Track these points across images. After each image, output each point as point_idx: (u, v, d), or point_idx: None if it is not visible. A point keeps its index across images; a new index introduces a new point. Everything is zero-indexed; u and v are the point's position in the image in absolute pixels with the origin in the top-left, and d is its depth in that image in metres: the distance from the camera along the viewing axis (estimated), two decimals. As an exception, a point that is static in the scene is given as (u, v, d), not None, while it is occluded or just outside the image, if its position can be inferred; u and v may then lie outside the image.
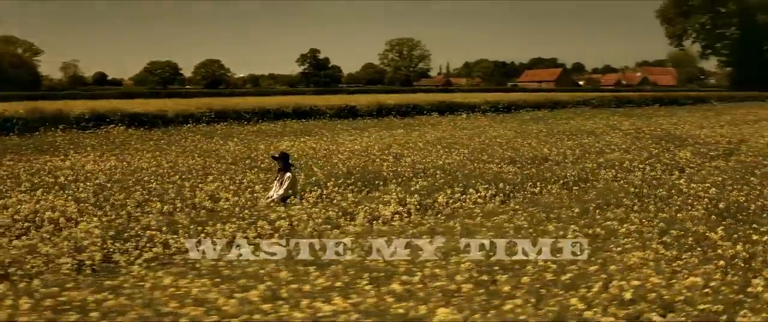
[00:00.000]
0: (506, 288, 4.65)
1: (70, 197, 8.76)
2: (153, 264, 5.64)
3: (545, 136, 17.90)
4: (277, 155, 9.26)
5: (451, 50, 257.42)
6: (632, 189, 9.01)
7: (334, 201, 9.07)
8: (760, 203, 7.92)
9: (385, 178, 10.88)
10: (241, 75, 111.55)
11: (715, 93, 48.30)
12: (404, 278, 4.86)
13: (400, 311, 4.19)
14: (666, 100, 39.69)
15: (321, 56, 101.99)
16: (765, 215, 7.49)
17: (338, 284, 4.67)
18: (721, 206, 7.84)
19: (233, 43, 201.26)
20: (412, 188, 9.34)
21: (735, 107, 36.12)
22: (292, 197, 8.57)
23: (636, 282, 4.63)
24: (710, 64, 74.27)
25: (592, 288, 4.49)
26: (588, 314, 4.04)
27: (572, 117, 25.91)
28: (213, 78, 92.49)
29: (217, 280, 4.76)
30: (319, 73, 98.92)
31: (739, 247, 5.46)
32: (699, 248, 5.95)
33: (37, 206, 8.18)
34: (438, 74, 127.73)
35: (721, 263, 5.14)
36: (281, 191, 8.72)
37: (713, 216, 7.29)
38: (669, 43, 66.90)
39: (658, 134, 18.53)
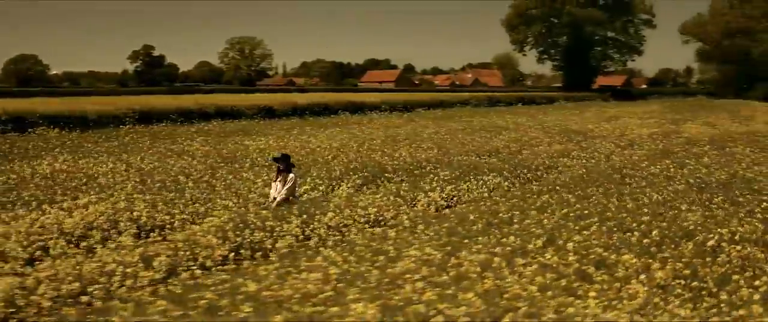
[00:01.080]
0: (645, 241, 6.30)
1: (125, 199, 8.73)
2: (338, 247, 6.36)
3: (472, 132, 20.05)
4: (278, 157, 9.33)
5: (285, 50, 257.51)
6: (624, 171, 11.23)
7: (376, 191, 10.11)
8: (714, 178, 10.52)
9: (391, 171, 12.03)
10: (56, 72, 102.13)
11: (562, 93, 55.46)
12: (565, 236, 6.31)
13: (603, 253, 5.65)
14: (526, 100, 45.02)
15: (155, 53, 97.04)
16: (721, 186, 10.03)
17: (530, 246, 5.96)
18: (690, 181, 10.29)
19: (47, 38, 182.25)
20: (444, 179, 10.64)
21: (586, 105, 42.25)
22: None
23: (731, 229, 6.56)
24: (527, 67, 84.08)
25: (712, 234, 6.32)
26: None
27: (472, 115, 28.76)
28: (26, 76, 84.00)
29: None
30: (153, 71, 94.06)
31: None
32: (720, 209, 8.09)
33: (112, 207, 8.10)
34: (275, 74, 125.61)
35: (759, 215, 7.26)
36: (284, 192, 8.86)
37: (694, 188, 9.62)
38: (513, 49, 74.69)
39: (560, 129, 21.68)
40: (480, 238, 6.36)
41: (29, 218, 7.28)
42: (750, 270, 5.44)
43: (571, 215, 7.39)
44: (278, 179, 8.99)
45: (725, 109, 39.46)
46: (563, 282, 4.93)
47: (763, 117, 30.41)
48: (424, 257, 5.54)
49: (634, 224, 6.97)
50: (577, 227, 6.73)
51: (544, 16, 67.10)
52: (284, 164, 9.02)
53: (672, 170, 11.44)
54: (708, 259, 5.65)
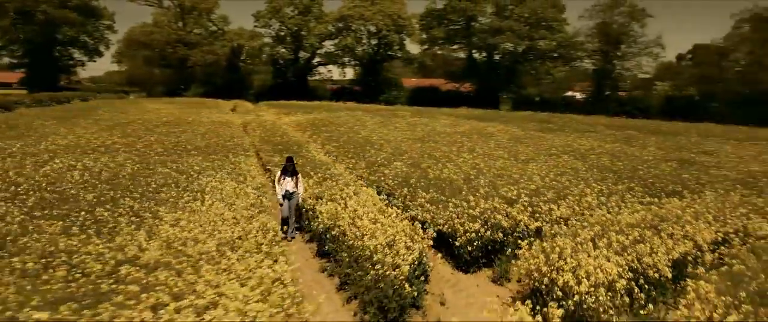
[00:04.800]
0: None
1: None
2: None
3: (175, 127, 25.28)
4: (288, 161, 10.74)
5: None
6: (381, 141, 21.65)
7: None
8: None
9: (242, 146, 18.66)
10: None
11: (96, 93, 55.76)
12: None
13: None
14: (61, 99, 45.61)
15: None
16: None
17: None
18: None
19: None
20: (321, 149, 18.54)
21: (133, 101, 46.64)
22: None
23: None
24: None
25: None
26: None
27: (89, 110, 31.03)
28: None
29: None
30: None
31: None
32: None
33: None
34: None
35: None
36: (300, 190, 10.65)
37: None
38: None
39: (209, 121, 29.00)
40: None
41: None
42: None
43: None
44: (291, 179, 10.52)
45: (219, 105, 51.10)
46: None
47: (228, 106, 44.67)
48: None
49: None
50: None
51: (13, 11, 63.60)
52: (292, 166, 10.61)
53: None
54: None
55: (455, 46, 64.11)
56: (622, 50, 57.22)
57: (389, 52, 69.72)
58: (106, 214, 8.50)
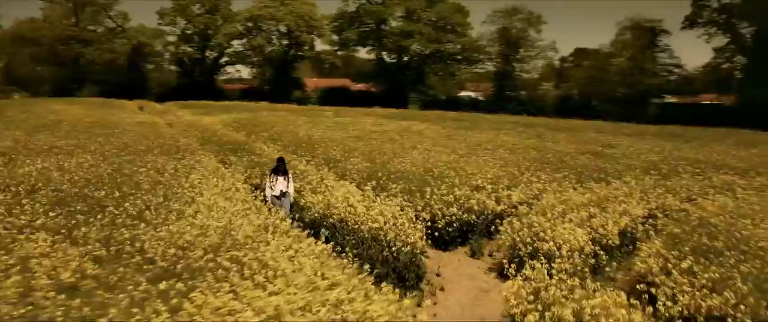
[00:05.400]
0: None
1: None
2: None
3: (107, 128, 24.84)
4: (279, 161, 11.26)
5: None
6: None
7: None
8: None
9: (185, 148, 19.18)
10: None
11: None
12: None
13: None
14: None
15: None
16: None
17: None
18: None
19: None
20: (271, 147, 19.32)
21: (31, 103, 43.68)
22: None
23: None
24: None
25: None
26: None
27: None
28: None
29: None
30: None
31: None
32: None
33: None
34: None
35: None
36: (291, 189, 11.27)
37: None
38: None
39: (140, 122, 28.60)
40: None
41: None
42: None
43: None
44: (282, 178, 11.04)
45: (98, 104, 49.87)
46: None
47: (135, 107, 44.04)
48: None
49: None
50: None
51: None
52: (283, 166, 11.19)
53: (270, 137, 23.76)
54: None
55: (368, 48, 66.02)
56: (520, 54, 61.83)
57: (300, 53, 70.25)
58: (131, 208, 9.08)
